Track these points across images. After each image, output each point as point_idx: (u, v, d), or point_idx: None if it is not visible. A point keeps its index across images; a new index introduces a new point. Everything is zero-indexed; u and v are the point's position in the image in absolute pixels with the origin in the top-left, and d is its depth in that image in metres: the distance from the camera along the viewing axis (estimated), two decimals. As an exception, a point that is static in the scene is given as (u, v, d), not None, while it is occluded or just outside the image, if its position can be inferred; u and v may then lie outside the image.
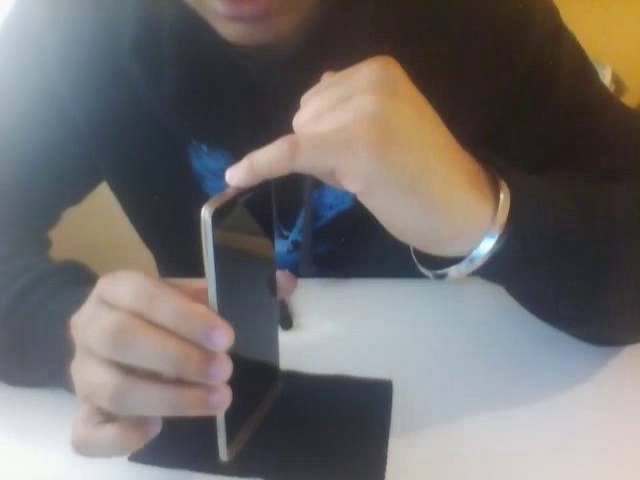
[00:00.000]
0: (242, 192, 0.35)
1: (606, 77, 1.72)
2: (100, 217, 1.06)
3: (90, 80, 0.58)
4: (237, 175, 0.35)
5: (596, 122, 0.57)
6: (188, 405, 0.34)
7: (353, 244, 0.64)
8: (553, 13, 0.57)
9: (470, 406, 0.48)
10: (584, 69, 0.58)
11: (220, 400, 0.34)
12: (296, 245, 0.65)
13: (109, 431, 0.36)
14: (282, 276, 0.41)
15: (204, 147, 0.60)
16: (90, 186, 0.69)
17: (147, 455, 0.43)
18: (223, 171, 0.63)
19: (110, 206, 0.70)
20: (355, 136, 0.35)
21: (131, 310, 0.34)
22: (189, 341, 0.33)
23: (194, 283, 0.36)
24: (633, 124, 0.58)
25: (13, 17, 0.61)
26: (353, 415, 0.47)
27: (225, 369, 0.33)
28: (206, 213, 0.32)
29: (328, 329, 0.57)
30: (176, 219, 0.58)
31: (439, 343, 0.55)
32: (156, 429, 0.37)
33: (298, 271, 0.63)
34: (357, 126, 0.35)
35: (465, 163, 0.40)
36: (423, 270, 0.44)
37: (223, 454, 0.36)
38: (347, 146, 0.35)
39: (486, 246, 0.40)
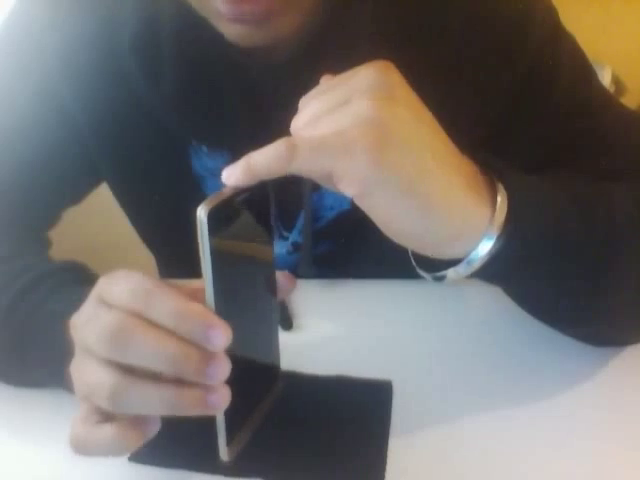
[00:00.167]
0: (238, 192, 0.35)
1: (606, 77, 1.72)
2: (100, 217, 1.06)
3: (90, 80, 0.59)
4: (234, 175, 0.35)
5: (596, 122, 0.57)
6: (187, 405, 0.34)
7: (353, 245, 0.64)
8: (552, 13, 0.57)
9: (470, 406, 0.48)
10: (583, 69, 0.58)
11: (219, 400, 0.34)
12: (296, 246, 0.65)
13: (107, 431, 0.36)
14: (282, 276, 0.41)
15: (204, 148, 0.60)
16: (90, 186, 0.69)
17: (147, 455, 0.43)
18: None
19: (110, 206, 0.70)
20: (352, 140, 0.35)
21: (129, 310, 0.34)
22: (188, 341, 0.33)
23: (194, 283, 0.36)
24: (633, 125, 0.58)
25: (13, 17, 0.61)
26: (353, 415, 0.47)
27: (224, 369, 0.33)
28: (202, 213, 0.32)
29: (328, 329, 0.57)
30: (176, 219, 0.58)
31: (439, 343, 0.55)
32: (154, 429, 0.37)
33: (298, 272, 0.63)
34: (354, 130, 0.35)
35: (463, 165, 0.40)
36: (421, 273, 0.44)
37: (223, 454, 0.36)
38: (344, 149, 0.35)
39: (484, 247, 0.40)
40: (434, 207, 0.37)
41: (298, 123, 0.38)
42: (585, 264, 0.45)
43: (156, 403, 0.34)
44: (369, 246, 0.63)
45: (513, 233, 0.40)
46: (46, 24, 0.58)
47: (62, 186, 0.65)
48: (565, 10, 0.58)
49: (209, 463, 0.41)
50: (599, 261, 0.45)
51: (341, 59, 0.50)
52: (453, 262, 0.41)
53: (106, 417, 0.37)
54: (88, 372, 0.35)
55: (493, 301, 0.60)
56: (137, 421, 0.36)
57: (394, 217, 0.38)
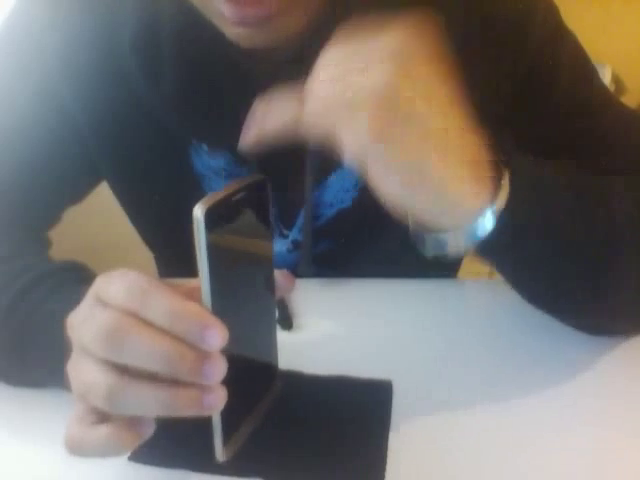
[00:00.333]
0: (236, 190, 0.35)
1: (606, 77, 1.72)
2: (100, 217, 1.06)
3: (90, 80, 0.58)
4: (252, 127, 0.36)
5: (596, 123, 0.57)
6: (182, 405, 0.34)
7: (353, 243, 0.64)
8: (554, 13, 0.57)
9: (470, 406, 0.48)
10: (584, 69, 0.58)
11: (215, 401, 0.33)
12: (296, 244, 0.65)
13: (103, 431, 0.36)
14: (280, 275, 0.41)
15: (204, 147, 0.60)
16: (90, 186, 0.69)
17: (147, 455, 0.43)
18: (224, 170, 0.64)
19: (110, 206, 0.70)
20: (359, 107, 0.37)
21: (125, 309, 0.34)
22: (183, 340, 0.33)
23: (192, 282, 0.36)
24: (633, 125, 0.58)
25: (13, 17, 0.61)
26: (353, 415, 0.47)
27: (219, 369, 0.33)
28: (199, 212, 0.32)
29: (328, 329, 0.57)
30: (176, 219, 0.58)
31: (439, 343, 0.55)
32: (150, 431, 0.37)
33: (298, 270, 0.63)
34: (364, 99, 0.37)
35: (468, 148, 0.40)
36: (421, 249, 0.45)
37: (219, 454, 0.36)
38: (350, 115, 0.37)
39: (487, 218, 0.41)
40: (431, 182, 0.39)
41: (315, 81, 0.39)
42: (584, 260, 0.45)
43: (152, 403, 0.34)
44: (369, 245, 0.63)
45: (513, 211, 0.41)
46: (46, 24, 0.58)
47: (62, 186, 0.65)
48: (565, 10, 0.58)
49: (209, 463, 0.41)
50: (599, 259, 0.45)
51: None
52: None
53: (102, 417, 0.36)
54: (84, 371, 0.35)
55: (493, 301, 0.60)
56: (133, 422, 0.36)
57: (389, 186, 0.39)
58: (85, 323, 0.35)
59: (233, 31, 0.46)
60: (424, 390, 0.50)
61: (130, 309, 0.34)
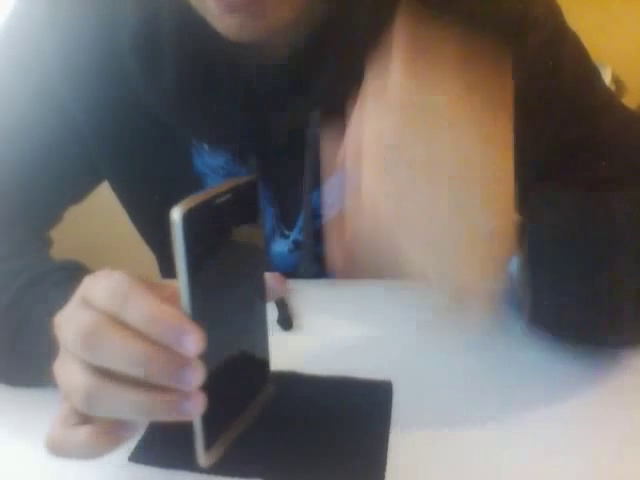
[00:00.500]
0: (221, 192, 0.34)
1: (606, 77, 1.72)
2: (101, 217, 1.06)
3: (90, 80, 0.59)
4: None
5: (596, 126, 0.57)
6: (160, 410, 0.33)
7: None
8: (555, 14, 0.57)
9: (470, 406, 0.48)
10: (586, 72, 0.58)
11: (193, 406, 0.33)
12: (297, 244, 0.65)
13: (82, 433, 0.36)
14: (272, 278, 0.40)
15: (205, 146, 0.60)
16: (91, 185, 0.69)
17: (147, 455, 0.43)
18: (223, 169, 0.64)
19: (111, 206, 0.70)
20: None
21: (105, 311, 0.34)
22: (160, 344, 0.32)
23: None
24: (634, 127, 0.58)
25: (13, 18, 0.61)
26: (353, 416, 0.47)
27: (196, 375, 0.32)
28: (176, 214, 0.31)
29: (328, 329, 0.57)
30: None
31: (439, 343, 0.55)
32: (131, 434, 0.36)
33: (299, 270, 0.63)
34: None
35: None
36: None
37: (202, 460, 0.35)
38: None
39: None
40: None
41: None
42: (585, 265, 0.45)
43: (128, 407, 0.33)
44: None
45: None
46: (46, 24, 0.58)
47: (62, 186, 0.65)
48: (565, 10, 0.58)
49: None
50: (599, 261, 0.45)
51: (340, 58, 0.50)
52: None
53: (85, 419, 0.36)
54: (66, 372, 0.35)
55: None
56: (113, 425, 0.36)
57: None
58: (67, 323, 0.35)
59: (221, 22, 0.46)
60: (424, 390, 0.50)
61: (110, 311, 0.34)
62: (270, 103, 0.55)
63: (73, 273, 0.50)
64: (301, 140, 0.56)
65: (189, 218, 0.32)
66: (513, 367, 0.52)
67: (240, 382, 0.39)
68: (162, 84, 0.55)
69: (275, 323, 0.56)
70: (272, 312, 0.56)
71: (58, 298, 0.45)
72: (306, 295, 0.59)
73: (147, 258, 0.78)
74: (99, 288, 0.35)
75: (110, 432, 0.36)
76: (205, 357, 0.33)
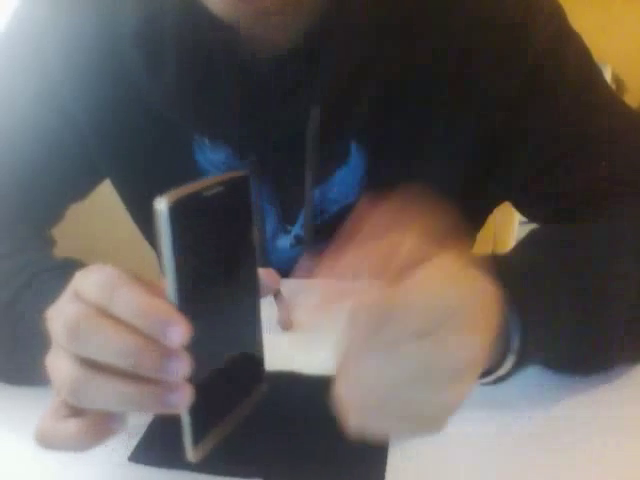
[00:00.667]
0: (209, 186, 0.34)
1: (606, 77, 1.72)
2: (102, 216, 1.06)
3: (91, 80, 0.59)
4: None
5: (598, 126, 0.56)
6: (146, 402, 0.33)
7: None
8: (558, 14, 0.57)
9: (470, 406, 0.48)
10: (589, 72, 0.58)
11: (179, 399, 0.33)
12: (298, 239, 0.65)
13: (71, 425, 0.36)
14: (265, 274, 0.40)
15: (207, 141, 0.60)
16: (92, 184, 0.69)
17: (147, 455, 0.43)
18: (225, 165, 0.64)
19: (112, 205, 0.70)
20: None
21: (94, 303, 0.34)
22: (147, 336, 0.33)
23: None
24: (635, 127, 0.58)
25: (15, 18, 0.61)
26: (353, 415, 0.47)
27: (182, 365, 0.32)
28: (161, 205, 0.31)
29: (328, 329, 0.57)
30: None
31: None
32: (120, 426, 0.36)
33: (300, 265, 0.63)
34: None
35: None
36: None
37: (190, 454, 0.35)
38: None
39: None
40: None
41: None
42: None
43: (115, 398, 0.34)
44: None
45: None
46: (47, 24, 0.58)
47: (63, 186, 0.65)
48: (566, 10, 0.58)
49: (209, 463, 0.41)
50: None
51: (340, 54, 0.50)
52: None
53: (75, 412, 0.36)
54: (56, 364, 0.35)
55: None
56: (102, 418, 0.36)
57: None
58: (57, 317, 0.36)
59: (215, 1, 0.46)
60: (424, 390, 0.49)
61: (99, 304, 0.34)
62: (270, 99, 0.55)
63: (71, 270, 0.50)
64: (302, 136, 0.56)
65: (177, 209, 0.31)
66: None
67: (231, 379, 0.38)
68: (164, 78, 0.55)
69: (275, 323, 0.56)
70: (272, 312, 0.56)
71: (54, 294, 0.45)
72: (306, 295, 0.59)
73: (148, 257, 0.78)
74: (89, 282, 0.35)
75: (99, 425, 0.36)
76: (193, 350, 0.33)
